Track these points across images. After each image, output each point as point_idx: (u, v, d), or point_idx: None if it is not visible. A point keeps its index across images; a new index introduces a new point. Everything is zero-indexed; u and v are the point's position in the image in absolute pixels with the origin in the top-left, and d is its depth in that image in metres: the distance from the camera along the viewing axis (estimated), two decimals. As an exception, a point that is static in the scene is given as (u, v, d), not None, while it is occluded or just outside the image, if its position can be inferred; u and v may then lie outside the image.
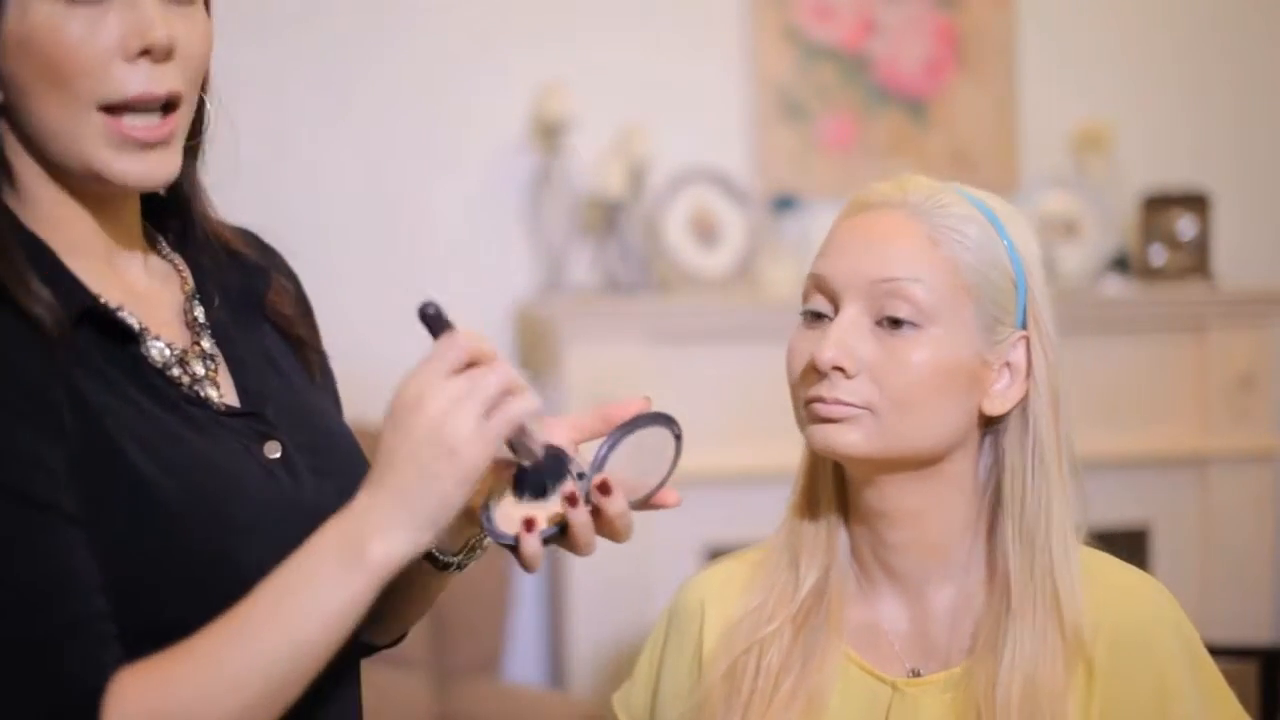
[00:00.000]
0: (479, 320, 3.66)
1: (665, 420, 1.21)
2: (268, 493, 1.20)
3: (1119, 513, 3.67)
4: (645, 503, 1.20)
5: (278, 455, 1.23)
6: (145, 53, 1.16)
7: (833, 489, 1.41)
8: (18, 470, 1.09)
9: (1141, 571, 1.39)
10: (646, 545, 3.43)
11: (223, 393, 1.24)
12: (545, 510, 1.18)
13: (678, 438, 1.20)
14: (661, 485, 1.20)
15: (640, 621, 3.33)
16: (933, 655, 1.37)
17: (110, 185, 1.18)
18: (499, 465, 1.19)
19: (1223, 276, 3.95)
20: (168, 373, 1.22)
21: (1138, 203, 3.91)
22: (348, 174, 3.52)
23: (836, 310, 1.34)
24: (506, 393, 1.12)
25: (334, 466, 1.26)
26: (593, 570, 3.33)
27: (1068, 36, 4.01)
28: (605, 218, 3.64)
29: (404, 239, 3.59)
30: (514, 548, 1.16)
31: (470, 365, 1.13)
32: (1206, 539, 3.80)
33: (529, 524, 1.16)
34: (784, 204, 3.74)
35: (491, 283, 3.66)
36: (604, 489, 1.18)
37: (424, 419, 1.10)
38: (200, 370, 1.24)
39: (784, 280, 3.60)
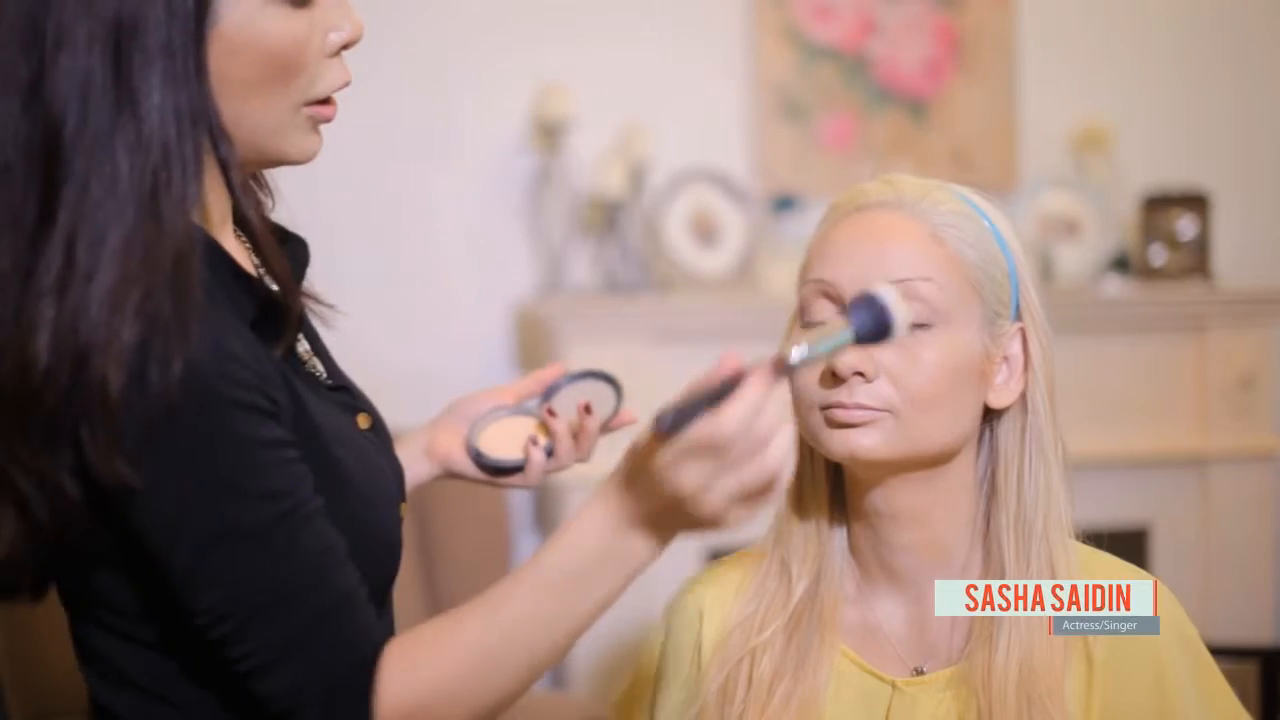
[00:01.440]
0: (479, 320, 3.67)
1: (597, 374, 1.48)
2: (379, 464, 1.27)
3: (1119, 513, 3.67)
4: (607, 425, 1.47)
5: (368, 426, 1.29)
6: (344, 46, 1.23)
7: (825, 489, 1.41)
8: (274, 466, 1.15)
9: (1142, 571, 1.39)
10: (646, 545, 3.43)
11: (319, 367, 1.30)
12: (520, 436, 1.48)
13: (611, 381, 1.46)
14: (615, 413, 1.47)
15: (640, 621, 3.33)
16: (934, 653, 1.37)
17: (287, 164, 1.24)
18: (478, 400, 1.51)
19: (1223, 276, 3.95)
20: (298, 350, 1.27)
21: (1138, 203, 3.90)
22: (348, 174, 3.52)
23: (844, 314, 1.33)
24: (769, 486, 1.14)
25: (387, 435, 1.33)
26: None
27: (1068, 36, 4.01)
28: (605, 218, 3.64)
29: (404, 239, 3.59)
30: (518, 469, 1.47)
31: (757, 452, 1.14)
32: (1206, 539, 3.79)
33: (533, 440, 1.46)
34: (784, 204, 3.74)
35: (491, 283, 3.66)
36: (587, 409, 1.47)
37: (700, 509, 1.14)
38: (306, 345, 1.29)
39: (784, 280, 3.60)
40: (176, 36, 1.14)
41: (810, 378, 1.33)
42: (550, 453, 1.49)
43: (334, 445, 1.22)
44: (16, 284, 1.13)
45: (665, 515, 1.16)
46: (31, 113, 1.13)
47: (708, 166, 3.70)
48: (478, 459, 1.50)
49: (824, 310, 1.34)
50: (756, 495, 1.14)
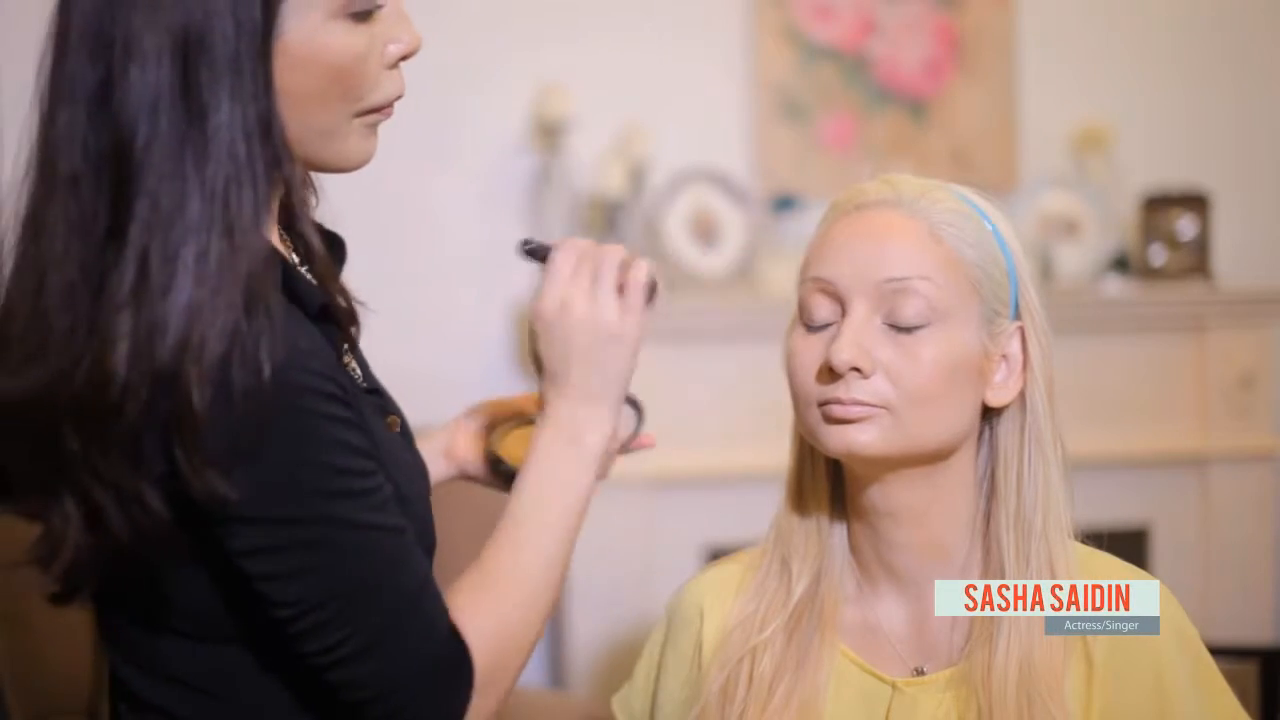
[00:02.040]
0: (479, 320, 3.67)
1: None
2: (410, 466, 1.30)
3: (1119, 513, 3.67)
4: (627, 446, 1.46)
5: (398, 430, 1.31)
6: (403, 58, 1.26)
7: (825, 488, 1.41)
8: (355, 457, 1.19)
9: (1142, 570, 1.39)
10: (646, 545, 3.43)
11: (357, 370, 1.31)
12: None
13: (634, 403, 1.45)
14: (635, 435, 1.48)
15: (640, 621, 3.33)
16: (934, 653, 1.37)
17: (344, 170, 1.27)
18: (501, 407, 1.52)
19: (1223, 276, 3.95)
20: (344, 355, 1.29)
21: (1138, 203, 3.90)
22: (348, 174, 3.52)
23: (843, 312, 1.34)
24: (625, 265, 1.29)
25: (411, 436, 1.35)
26: (593, 570, 3.34)
27: (1068, 36, 4.01)
28: (605, 218, 3.64)
29: (404, 239, 3.59)
30: None
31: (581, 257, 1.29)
32: (1206, 539, 3.79)
33: None
34: (784, 204, 3.74)
35: (491, 283, 3.66)
36: None
37: (575, 320, 1.27)
38: (344, 347, 1.30)
39: (784, 280, 3.60)
40: (244, 51, 1.15)
41: (808, 374, 1.34)
42: None
43: (386, 444, 1.25)
44: (88, 295, 1.14)
45: (572, 359, 1.27)
46: (99, 123, 1.15)
47: (708, 166, 3.69)
48: (496, 466, 1.50)
49: (823, 308, 1.35)
50: (624, 282, 1.27)
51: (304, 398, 1.15)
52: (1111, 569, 1.38)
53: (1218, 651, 1.43)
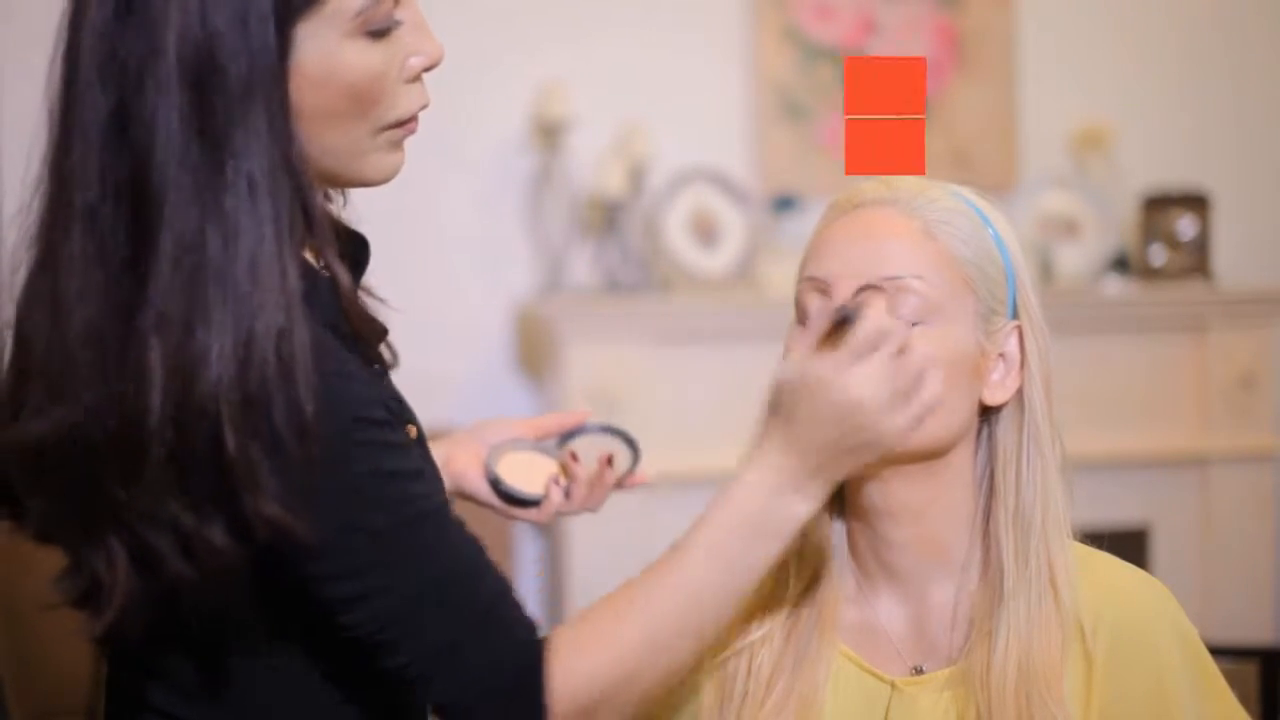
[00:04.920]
0: (479, 320, 3.67)
1: (618, 432, 1.49)
2: (432, 475, 1.27)
3: (1119, 513, 3.67)
4: (621, 482, 1.48)
5: (416, 438, 1.29)
6: (425, 70, 1.23)
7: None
8: (416, 472, 1.18)
9: (1141, 570, 1.39)
10: (646, 545, 3.42)
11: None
12: (538, 472, 1.48)
13: (630, 443, 1.47)
14: (630, 473, 1.48)
15: (640, 621, 3.33)
16: (933, 653, 1.37)
17: (366, 185, 1.25)
18: (525, 425, 1.50)
19: (1223, 276, 3.95)
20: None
21: (1138, 203, 3.90)
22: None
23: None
24: (920, 380, 1.23)
25: (426, 446, 1.33)
26: (593, 570, 3.34)
27: (1068, 36, 4.01)
28: (605, 218, 3.64)
29: (404, 239, 3.58)
30: (534, 503, 1.46)
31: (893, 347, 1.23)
32: (1206, 539, 3.79)
33: (556, 480, 1.44)
34: (784, 204, 3.74)
35: (491, 283, 3.66)
36: (609, 462, 1.46)
37: (867, 417, 1.20)
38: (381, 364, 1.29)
39: (784, 280, 3.60)
40: (258, 77, 1.13)
41: None
42: (566, 495, 1.50)
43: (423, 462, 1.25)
44: (113, 329, 1.11)
45: (829, 446, 1.20)
46: (115, 152, 1.13)
47: (708, 166, 3.69)
48: (495, 485, 1.51)
49: (819, 307, 1.35)
50: (910, 392, 1.21)
51: (356, 429, 1.13)
52: (1112, 569, 1.38)
53: (1218, 651, 1.43)
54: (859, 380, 1.20)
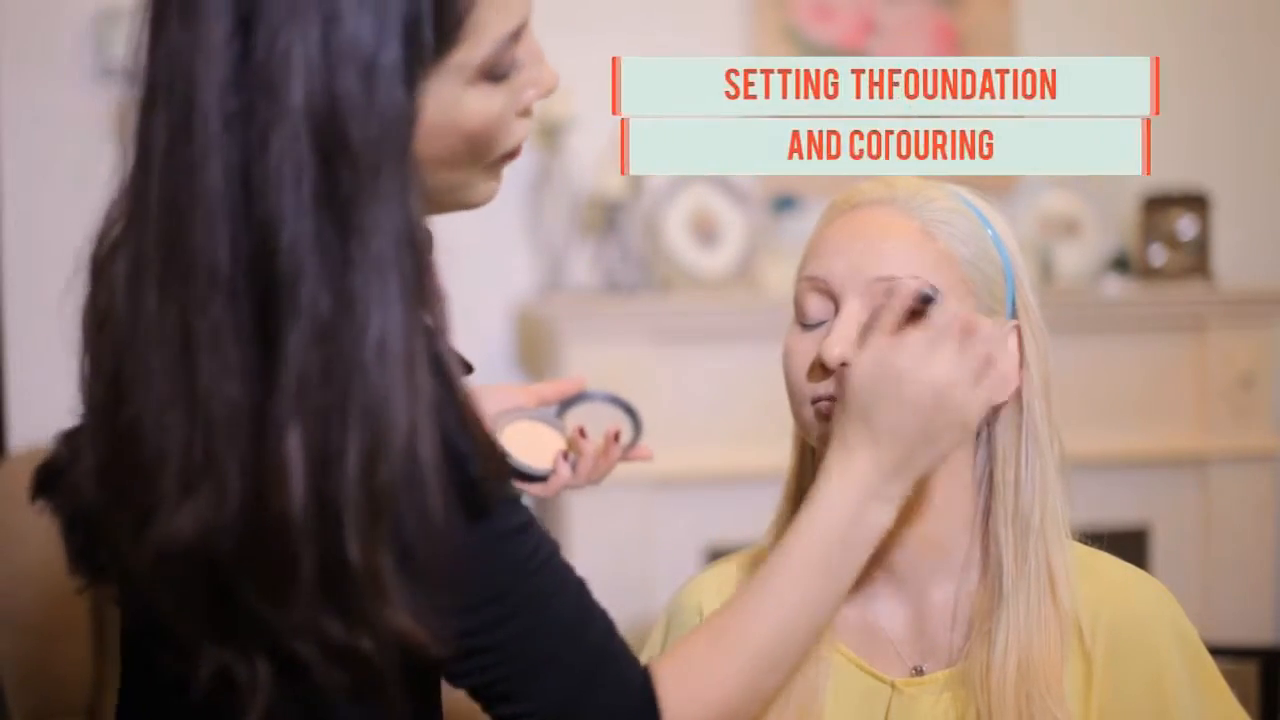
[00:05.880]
0: (479, 320, 3.67)
1: (619, 401, 1.46)
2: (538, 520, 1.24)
3: (1119, 513, 3.67)
4: (625, 454, 1.44)
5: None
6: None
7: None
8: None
9: (1140, 570, 1.39)
10: (647, 545, 3.43)
11: None
12: (541, 443, 1.43)
13: (631, 412, 1.44)
14: (632, 444, 1.44)
15: (640, 621, 3.33)
16: (933, 653, 1.37)
17: (463, 210, 1.19)
18: (523, 392, 1.44)
19: (1223, 276, 3.95)
20: None
21: (1138, 203, 3.90)
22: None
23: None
24: (990, 361, 1.24)
25: None
26: (593, 570, 3.32)
27: (1068, 36, 4.01)
28: (605, 218, 3.64)
29: (404, 239, 3.59)
30: (542, 478, 1.40)
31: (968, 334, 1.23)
32: (1206, 539, 3.79)
33: (564, 455, 1.39)
34: (784, 204, 3.74)
35: (491, 283, 3.66)
36: (616, 437, 1.40)
37: (954, 405, 1.20)
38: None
39: (784, 280, 3.60)
40: (389, 143, 1.03)
41: (801, 371, 1.34)
42: (573, 469, 1.47)
43: None
44: (251, 421, 1.02)
45: (915, 435, 1.20)
46: (244, 220, 1.02)
47: (708, 166, 3.69)
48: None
49: (817, 306, 1.35)
50: (984, 369, 1.22)
51: (491, 508, 1.09)
52: (1111, 568, 1.38)
53: (1218, 651, 1.43)
54: (942, 363, 1.22)
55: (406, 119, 1.05)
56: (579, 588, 1.17)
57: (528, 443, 1.45)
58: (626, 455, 1.46)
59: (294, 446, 1.00)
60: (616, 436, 1.42)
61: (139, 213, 1.05)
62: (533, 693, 1.13)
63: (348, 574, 1.02)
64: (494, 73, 1.12)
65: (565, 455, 1.44)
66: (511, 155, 1.18)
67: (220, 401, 1.01)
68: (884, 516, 1.23)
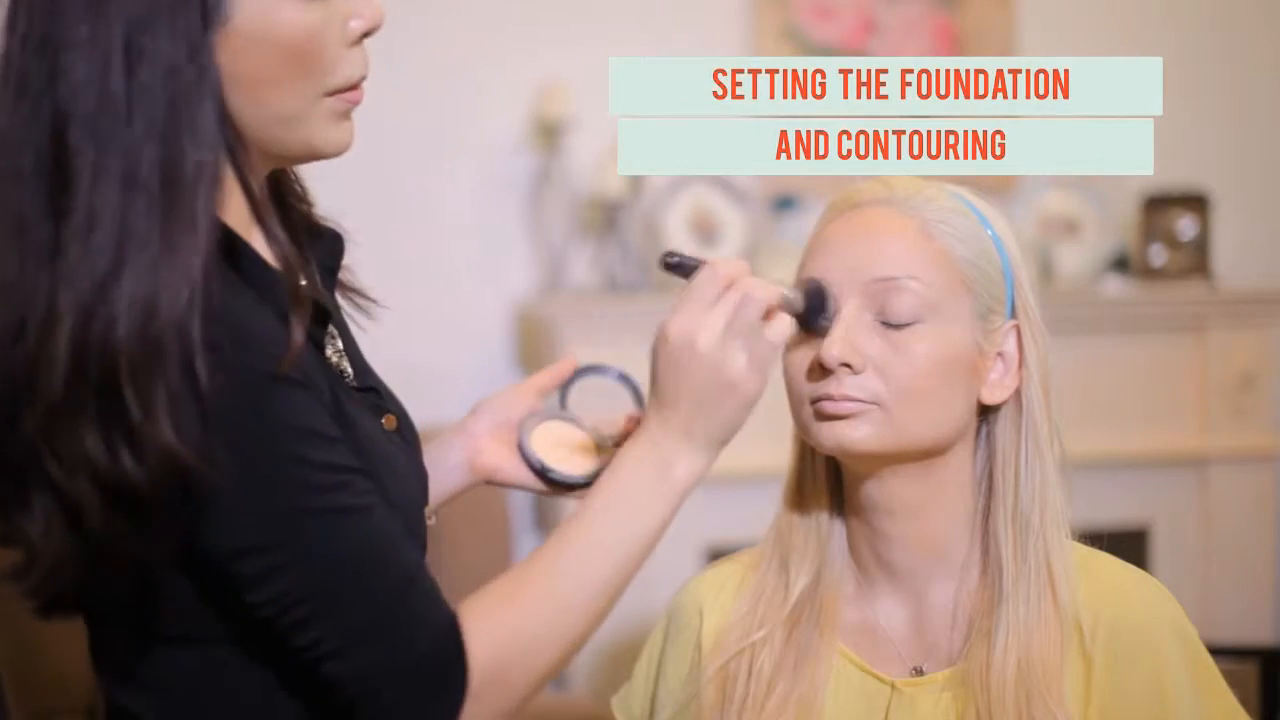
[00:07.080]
0: (479, 320, 3.67)
1: (614, 372, 1.45)
2: (403, 467, 1.26)
3: (1119, 513, 3.67)
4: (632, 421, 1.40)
5: (395, 428, 1.28)
6: (365, 34, 1.21)
7: (825, 488, 1.41)
8: (328, 447, 1.15)
9: (1140, 570, 1.39)
10: (646, 545, 3.43)
11: (347, 368, 1.27)
12: (567, 443, 1.41)
13: (626, 379, 1.42)
14: (642, 408, 1.37)
15: (640, 621, 3.33)
16: (933, 653, 1.37)
17: (318, 158, 1.23)
18: (526, 392, 1.44)
19: (1223, 276, 3.95)
20: (326, 350, 1.25)
21: (1138, 203, 3.91)
22: (348, 174, 3.52)
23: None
24: (770, 310, 1.23)
25: (414, 436, 1.31)
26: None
27: (1068, 36, 4.01)
28: (605, 218, 3.64)
29: (404, 239, 3.58)
30: (585, 485, 1.36)
31: (726, 287, 1.23)
32: (1206, 539, 3.80)
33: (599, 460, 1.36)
34: (784, 204, 3.74)
35: (491, 283, 3.66)
36: (636, 422, 1.35)
37: (698, 357, 1.21)
38: (339, 346, 1.27)
39: (783, 280, 3.60)
40: (186, 38, 1.12)
41: (800, 372, 1.34)
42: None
43: (366, 444, 1.21)
44: (32, 293, 1.11)
45: (688, 399, 1.21)
46: (42, 117, 1.12)
47: (708, 166, 3.69)
48: (544, 474, 1.42)
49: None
50: (746, 331, 1.21)
51: (263, 385, 1.12)
52: (1111, 569, 1.38)
53: (1218, 651, 1.43)
54: (686, 323, 1.22)
55: (204, 13, 1.13)
56: (378, 526, 1.16)
57: (555, 447, 1.43)
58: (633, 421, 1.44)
59: (68, 302, 1.09)
60: (637, 421, 1.39)
61: None
62: (324, 622, 1.13)
63: (116, 397, 1.09)
64: None
65: (597, 455, 1.41)
66: (347, 91, 1.21)
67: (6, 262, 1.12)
68: (683, 475, 1.23)
